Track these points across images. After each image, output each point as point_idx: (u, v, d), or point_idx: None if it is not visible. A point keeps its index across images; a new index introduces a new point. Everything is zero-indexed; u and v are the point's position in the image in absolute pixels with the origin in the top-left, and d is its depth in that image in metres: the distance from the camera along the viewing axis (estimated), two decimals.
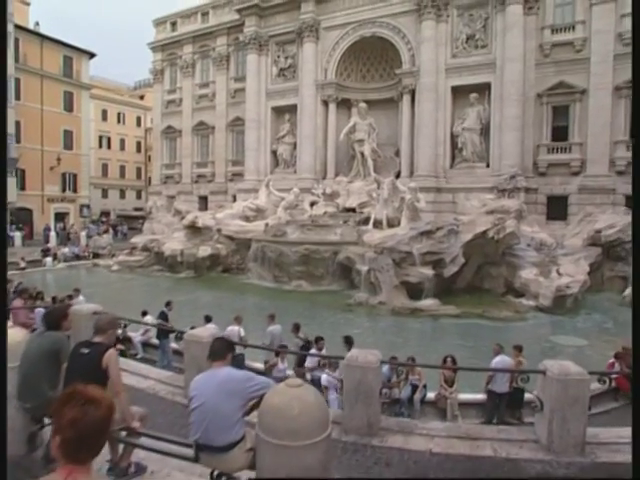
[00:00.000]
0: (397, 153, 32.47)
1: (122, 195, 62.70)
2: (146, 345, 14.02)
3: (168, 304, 13.53)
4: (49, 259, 31.04)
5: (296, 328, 11.53)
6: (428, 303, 18.78)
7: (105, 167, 60.70)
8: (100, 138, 59.68)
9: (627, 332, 14.60)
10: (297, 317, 12.63)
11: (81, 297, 15.75)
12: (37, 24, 46.16)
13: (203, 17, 42.25)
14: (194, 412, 3.66)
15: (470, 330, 16.17)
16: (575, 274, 19.93)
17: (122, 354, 13.34)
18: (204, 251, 26.89)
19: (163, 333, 11.99)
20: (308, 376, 9.82)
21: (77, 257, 33.94)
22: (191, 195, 42.31)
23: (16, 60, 40.17)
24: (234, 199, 36.34)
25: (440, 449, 5.40)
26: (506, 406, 9.36)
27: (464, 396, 9.68)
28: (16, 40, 40.42)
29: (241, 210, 30.04)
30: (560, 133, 27.94)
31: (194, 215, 30.41)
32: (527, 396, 7.10)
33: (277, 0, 34.92)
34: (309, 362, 10.29)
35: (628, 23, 26.28)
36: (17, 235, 36.77)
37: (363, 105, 32.29)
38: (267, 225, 26.68)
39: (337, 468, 4.91)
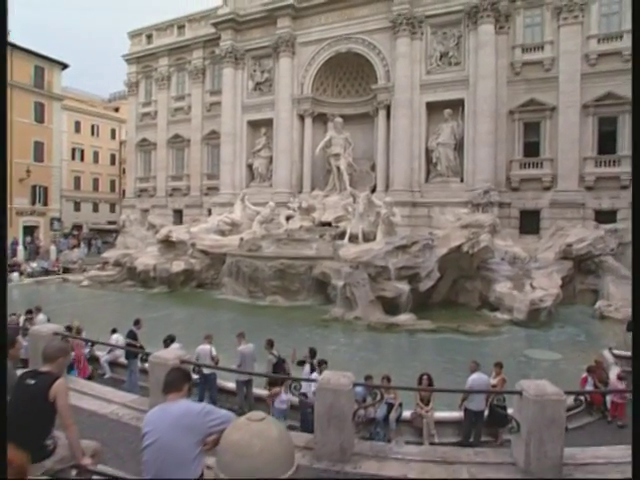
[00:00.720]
0: (373, 167, 32.65)
1: (95, 208, 61.36)
2: (114, 365, 13.51)
3: (137, 322, 13.04)
4: (15, 274, 30.00)
5: (270, 344, 11.22)
6: (404, 318, 18.69)
7: (78, 180, 59.40)
8: (73, 150, 58.48)
9: (599, 345, 14.72)
10: (272, 333, 12.33)
11: (41, 316, 14.98)
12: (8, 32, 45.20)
13: (179, 30, 42.06)
14: (147, 450, 3.32)
15: (446, 345, 16.11)
16: (548, 287, 20.16)
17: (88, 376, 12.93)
18: (178, 266, 26.37)
19: (131, 353, 11.53)
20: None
21: (46, 272, 32.92)
22: (166, 209, 41.67)
23: None
24: (209, 213, 35.94)
25: (415, 474, 5.22)
26: (484, 424, 9.24)
27: (440, 414, 9.53)
28: None
29: (216, 224, 29.66)
30: (532, 149, 28.53)
31: (168, 229, 29.87)
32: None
33: (253, 15, 35.09)
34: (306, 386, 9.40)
35: (594, 44, 27.22)
36: None
37: (339, 120, 32.46)
38: (242, 239, 26.35)
39: None
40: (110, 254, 31.73)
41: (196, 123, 40.10)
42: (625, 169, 25.93)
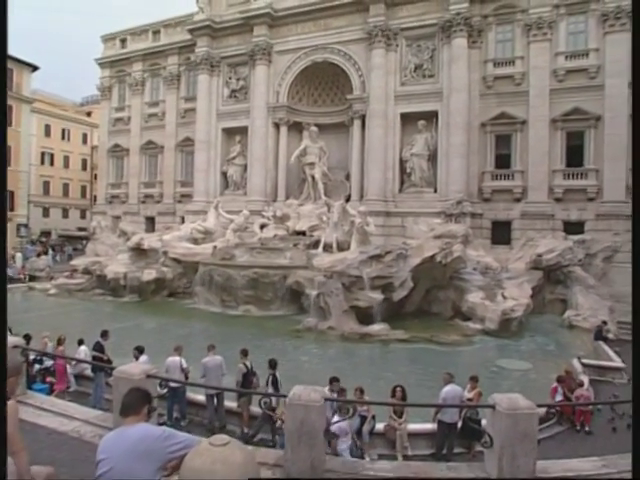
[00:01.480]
0: (347, 177, 32.75)
1: (65, 214, 59.75)
2: (80, 377, 13.05)
3: (104, 334, 12.60)
4: None
5: (244, 353, 10.98)
6: (377, 328, 18.67)
7: (47, 185, 57.77)
8: (42, 154, 56.89)
9: (568, 354, 14.92)
10: (244, 344, 12.07)
11: None
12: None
13: (154, 35, 41.58)
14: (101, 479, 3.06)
15: (419, 355, 16.14)
16: (519, 297, 20.46)
17: (51, 389, 12.45)
18: (149, 274, 25.78)
19: (98, 366, 11.14)
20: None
21: (11, 280, 31.81)
22: (138, 216, 40.88)
23: None
24: (182, 221, 35.39)
25: None
26: (457, 436, 9.21)
27: (413, 426, 9.47)
28: None
29: (189, 232, 29.19)
30: (503, 161, 29.10)
31: (140, 236, 29.21)
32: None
33: (230, 22, 34.97)
34: None
35: (562, 60, 28.01)
36: None
37: (314, 129, 32.50)
38: (215, 248, 25.96)
39: None
40: (79, 261, 30.83)
41: (170, 130, 39.57)
42: (591, 182, 26.68)
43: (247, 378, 10.39)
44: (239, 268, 23.05)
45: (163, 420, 10.01)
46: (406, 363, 15.71)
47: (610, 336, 18.08)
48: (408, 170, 29.95)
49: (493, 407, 5.13)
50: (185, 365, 10.86)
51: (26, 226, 47.36)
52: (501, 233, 28.22)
